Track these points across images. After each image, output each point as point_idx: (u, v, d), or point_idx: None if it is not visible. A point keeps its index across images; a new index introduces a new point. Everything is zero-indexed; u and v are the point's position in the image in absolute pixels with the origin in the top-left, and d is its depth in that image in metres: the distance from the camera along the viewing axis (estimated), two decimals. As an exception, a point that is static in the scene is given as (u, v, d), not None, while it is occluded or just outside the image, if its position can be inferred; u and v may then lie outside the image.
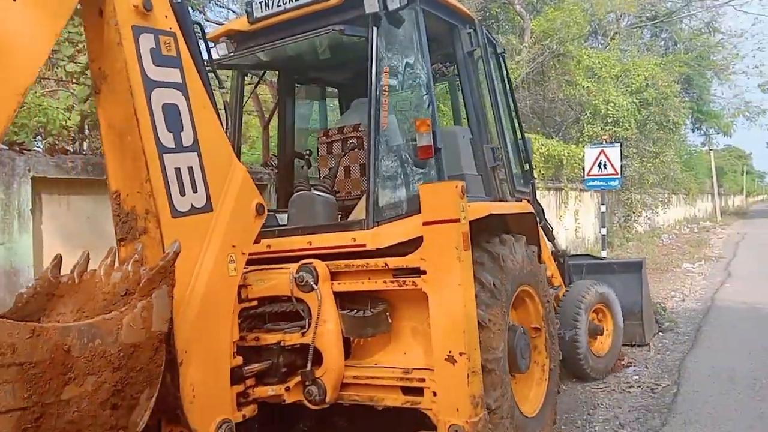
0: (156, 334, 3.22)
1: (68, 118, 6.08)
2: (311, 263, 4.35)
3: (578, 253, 11.68)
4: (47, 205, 5.50)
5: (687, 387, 6.85)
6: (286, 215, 5.24)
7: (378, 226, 4.37)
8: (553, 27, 19.41)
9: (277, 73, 6.23)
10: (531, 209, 5.80)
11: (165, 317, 3.28)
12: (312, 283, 4.28)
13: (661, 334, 9.27)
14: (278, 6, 4.88)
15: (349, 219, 4.79)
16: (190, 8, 3.88)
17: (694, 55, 32.84)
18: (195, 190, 3.74)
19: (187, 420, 3.61)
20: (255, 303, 4.40)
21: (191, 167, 3.73)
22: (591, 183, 13.33)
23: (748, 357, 7.81)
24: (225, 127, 4.21)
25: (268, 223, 4.26)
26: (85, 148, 6.73)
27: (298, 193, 5.12)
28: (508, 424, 4.40)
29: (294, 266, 4.38)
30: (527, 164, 6.29)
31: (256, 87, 6.11)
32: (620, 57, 24.37)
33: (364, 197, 4.57)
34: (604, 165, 12.93)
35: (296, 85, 6.18)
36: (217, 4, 15.42)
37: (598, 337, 7.40)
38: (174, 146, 3.64)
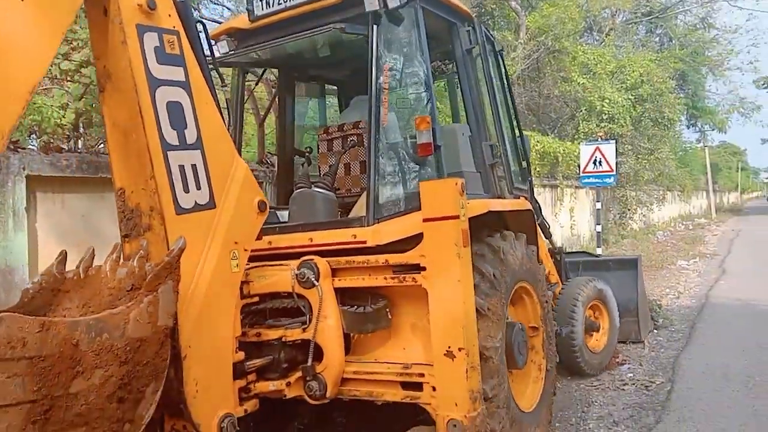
0: (162, 328, 3.27)
1: (63, 116, 6.09)
2: (312, 260, 4.39)
3: (574, 250, 11.74)
4: (42, 204, 5.51)
5: (681, 384, 6.89)
6: (285, 212, 5.29)
7: (378, 223, 4.42)
8: (548, 23, 19.46)
9: (274, 70, 6.26)
10: (529, 206, 5.84)
11: (170, 312, 3.33)
12: (313, 279, 4.33)
13: (655, 331, 9.33)
14: (279, 4, 4.92)
15: (349, 216, 4.83)
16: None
17: (689, 51, 32.93)
18: (198, 187, 3.78)
19: (191, 414, 3.66)
20: (256, 299, 4.44)
21: (195, 164, 3.78)
22: (586, 180, 13.36)
23: (742, 354, 7.87)
24: (227, 124, 4.25)
25: (269, 219, 4.30)
26: (79, 146, 6.75)
27: (299, 190, 5.16)
28: (504, 415, 4.43)
29: (295, 263, 4.43)
30: (525, 161, 6.33)
31: (256, 84, 6.14)
32: (615, 53, 24.43)
33: (364, 194, 4.62)
34: (600, 162, 12.94)
35: (296, 82, 6.22)
36: (212, 1, 15.44)
37: (594, 333, 7.45)
38: (178, 144, 3.68)
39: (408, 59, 4.82)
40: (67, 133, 6.52)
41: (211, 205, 3.86)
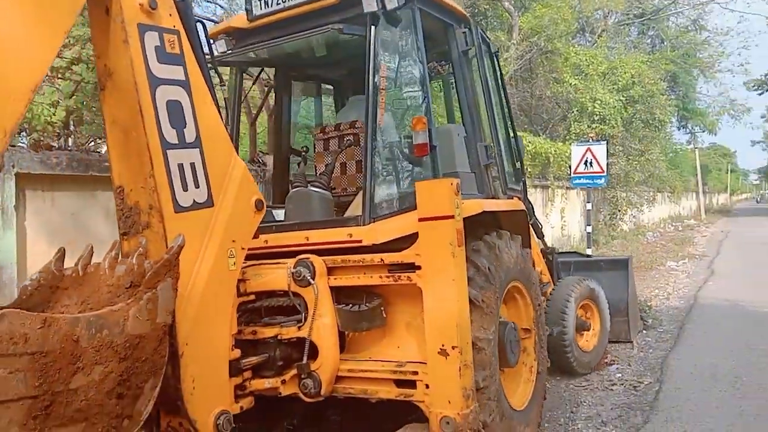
0: (160, 325, 3.30)
1: (53, 114, 6.04)
2: (308, 258, 4.43)
3: (565, 250, 11.81)
4: (31, 202, 5.49)
5: (669, 384, 6.94)
6: (281, 211, 5.32)
7: (374, 222, 4.45)
8: (541, 24, 19.53)
9: (267, 69, 6.29)
10: (522, 206, 5.90)
11: (169, 309, 3.36)
12: (309, 278, 4.37)
13: (644, 331, 9.39)
14: (277, 4, 4.95)
15: (345, 215, 4.88)
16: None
17: (681, 52, 33.12)
18: (197, 186, 3.81)
19: (187, 411, 3.69)
20: (253, 297, 4.48)
21: (193, 163, 3.81)
22: (577, 181, 13.41)
23: (730, 354, 7.93)
24: (224, 123, 4.28)
25: (265, 218, 4.33)
26: (70, 144, 6.71)
27: (295, 189, 5.20)
28: (494, 408, 4.47)
29: (291, 261, 4.46)
30: (519, 162, 6.39)
31: (253, 84, 6.16)
32: (607, 54, 24.56)
33: (360, 194, 4.66)
34: (591, 163, 12.99)
35: (293, 82, 6.24)
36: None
37: (585, 333, 7.51)
38: (177, 142, 3.71)
39: (405, 60, 4.86)
40: (57, 130, 6.47)
41: (209, 203, 3.88)
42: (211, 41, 5.11)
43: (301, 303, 4.43)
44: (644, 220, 30.62)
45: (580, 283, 7.39)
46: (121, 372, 3.10)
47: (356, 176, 5.33)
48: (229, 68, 5.66)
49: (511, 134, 6.29)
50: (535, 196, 17.33)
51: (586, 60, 21.24)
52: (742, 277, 14.53)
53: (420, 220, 4.16)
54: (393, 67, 4.80)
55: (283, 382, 4.42)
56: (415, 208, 4.20)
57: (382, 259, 4.36)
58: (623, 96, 21.18)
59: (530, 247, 5.88)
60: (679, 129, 41.50)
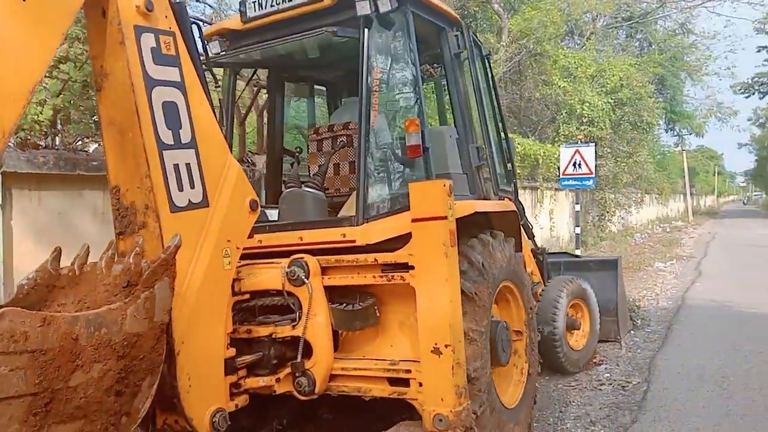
0: (158, 324, 3.34)
1: (40, 113, 6.04)
2: (302, 258, 4.46)
3: (555, 251, 11.89)
4: (18, 201, 5.49)
5: (657, 384, 7.02)
6: (274, 211, 5.35)
7: (367, 222, 4.50)
8: (530, 26, 19.62)
9: (259, 70, 6.32)
10: (514, 207, 5.95)
11: (166, 308, 3.40)
12: (303, 277, 4.40)
13: (632, 332, 9.47)
14: (271, 6, 4.98)
15: (339, 215, 4.90)
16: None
17: (668, 55, 33.36)
18: (192, 186, 3.84)
19: (183, 408, 3.72)
20: (247, 296, 4.51)
21: (189, 163, 3.84)
22: (566, 182, 13.49)
23: (717, 355, 8.03)
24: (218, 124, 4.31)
25: (258, 218, 4.37)
26: (57, 143, 6.71)
27: (289, 189, 5.23)
28: (485, 399, 4.51)
29: (285, 261, 4.49)
30: (510, 164, 6.45)
31: (248, 84, 6.19)
32: (596, 57, 24.72)
33: (353, 194, 4.70)
34: (579, 164, 13.07)
35: (285, 83, 6.28)
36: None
37: (575, 331, 7.58)
38: (173, 143, 3.74)
39: (398, 62, 4.90)
40: (45, 129, 6.48)
41: (205, 203, 3.92)
42: (206, 42, 5.14)
43: (296, 302, 4.46)
44: (632, 221, 30.80)
45: (571, 282, 7.47)
46: (119, 370, 3.14)
47: (349, 177, 5.37)
48: (222, 69, 5.68)
49: (503, 136, 6.35)
50: (524, 198, 17.41)
51: (575, 62, 21.36)
52: (729, 279, 14.66)
53: (413, 220, 4.19)
54: (386, 70, 4.84)
55: (278, 380, 4.45)
56: (408, 209, 4.24)
57: (375, 259, 4.40)
58: (611, 98, 21.32)
59: (522, 249, 5.93)
60: (666, 131, 41.85)
